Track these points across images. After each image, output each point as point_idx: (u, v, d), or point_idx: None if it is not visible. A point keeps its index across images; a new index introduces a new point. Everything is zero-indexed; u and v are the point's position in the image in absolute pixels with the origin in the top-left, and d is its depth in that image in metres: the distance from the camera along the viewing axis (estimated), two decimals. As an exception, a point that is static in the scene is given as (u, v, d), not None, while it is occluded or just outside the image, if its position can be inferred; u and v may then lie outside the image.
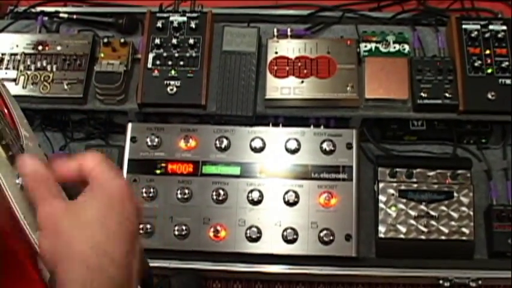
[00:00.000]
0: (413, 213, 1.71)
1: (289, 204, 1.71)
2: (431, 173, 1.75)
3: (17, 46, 1.88)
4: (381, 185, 1.73)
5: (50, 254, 0.85)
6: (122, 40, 1.84)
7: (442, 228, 1.70)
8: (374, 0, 2.08)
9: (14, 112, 1.05)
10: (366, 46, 1.82)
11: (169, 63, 1.80)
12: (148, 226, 1.69)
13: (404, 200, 1.72)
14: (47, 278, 0.95)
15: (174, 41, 1.82)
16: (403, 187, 1.73)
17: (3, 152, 0.95)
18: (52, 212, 0.86)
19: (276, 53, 1.81)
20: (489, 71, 1.76)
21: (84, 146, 1.87)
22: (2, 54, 1.87)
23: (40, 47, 1.87)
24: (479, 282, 1.70)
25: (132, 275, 0.86)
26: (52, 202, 0.87)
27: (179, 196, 1.72)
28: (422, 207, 1.72)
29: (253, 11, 2.05)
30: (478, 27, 1.81)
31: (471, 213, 1.71)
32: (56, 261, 0.84)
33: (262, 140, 1.76)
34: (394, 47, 1.82)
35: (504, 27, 1.81)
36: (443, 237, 1.70)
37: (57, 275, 0.83)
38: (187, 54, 1.81)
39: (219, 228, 1.70)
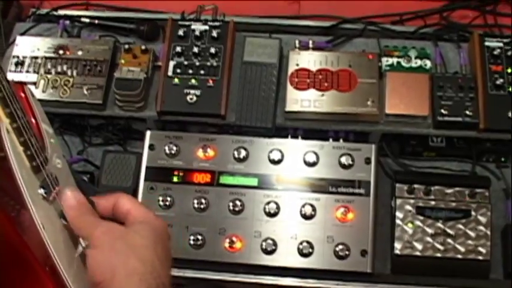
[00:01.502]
0: (430, 230, 1.70)
1: (305, 217, 1.70)
2: (449, 191, 1.74)
3: (38, 49, 1.89)
4: (399, 201, 1.72)
5: (104, 268, 0.93)
6: (143, 47, 1.85)
7: (458, 246, 1.69)
8: (396, 14, 2.07)
9: (41, 123, 1.05)
10: (387, 61, 1.82)
11: (190, 71, 1.81)
12: (164, 235, 1.69)
13: (421, 217, 1.71)
14: None
15: (195, 49, 1.82)
16: (420, 204, 1.72)
17: (27, 162, 0.97)
18: (108, 232, 0.96)
19: (297, 65, 1.81)
20: (510, 89, 1.75)
21: (102, 152, 1.87)
22: (23, 57, 1.87)
23: (61, 51, 1.87)
24: (494, 302, 1.70)
25: None
26: (107, 224, 0.98)
27: (196, 205, 1.72)
28: (440, 225, 1.71)
29: (275, 21, 2.04)
30: (501, 44, 1.80)
31: (488, 232, 1.70)
32: (112, 275, 0.92)
33: (280, 152, 1.75)
34: (416, 63, 1.82)
35: (527, 45, 1.80)
36: (459, 256, 1.69)
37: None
38: (208, 63, 1.81)
39: (234, 239, 1.69)
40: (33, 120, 1.04)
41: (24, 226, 0.97)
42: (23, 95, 1.05)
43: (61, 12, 2.08)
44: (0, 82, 0.95)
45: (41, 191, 0.97)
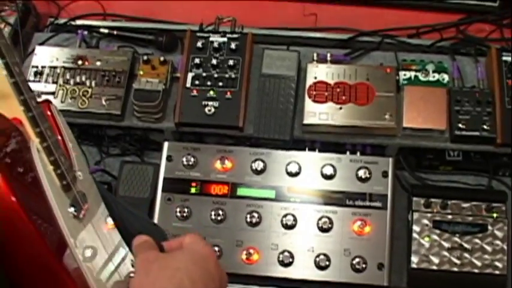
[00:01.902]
0: (446, 244, 1.71)
1: (322, 230, 1.71)
2: (466, 205, 1.74)
3: (57, 59, 1.90)
4: (416, 215, 1.73)
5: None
6: (162, 58, 1.86)
7: (475, 261, 1.69)
8: (413, 27, 2.07)
9: (67, 141, 1.06)
10: (405, 74, 1.83)
11: (208, 83, 1.82)
12: (181, 246, 1.70)
13: (438, 231, 1.71)
14: None
15: (214, 61, 1.83)
16: (437, 218, 1.72)
17: (58, 181, 0.97)
18: (146, 258, 1.00)
19: (315, 77, 1.82)
20: (528, 104, 1.76)
21: (120, 162, 1.87)
22: (42, 67, 1.89)
23: (80, 62, 1.88)
24: (511, 317, 1.70)
25: None
26: (148, 251, 1.02)
27: (213, 217, 1.73)
28: (456, 239, 1.71)
29: (293, 33, 2.05)
30: (519, 59, 1.81)
31: (505, 247, 1.70)
32: None
33: (298, 164, 1.76)
34: (434, 76, 1.82)
35: (544, 60, 1.81)
36: (476, 271, 1.69)
37: None
38: (227, 75, 1.82)
39: (251, 251, 1.70)
40: (59, 137, 1.05)
41: (53, 242, 0.97)
42: (49, 113, 1.06)
43: (79, 22, 2.09)
44: (30, 102, 0.96)
45: (71, 209, 0.98)
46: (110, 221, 1.09)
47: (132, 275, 1.05)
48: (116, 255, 1.07)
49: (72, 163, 1.04)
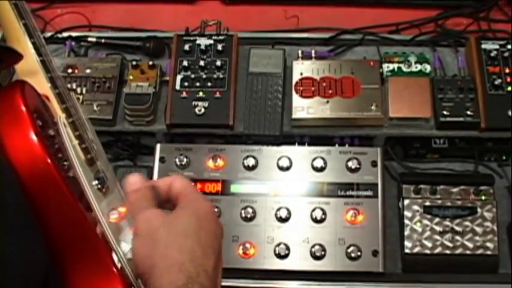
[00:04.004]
0: (438, 228, 1.74)
1: (316, 221, 1.74)
2: (454, 190, 1.78)
3: (47, 69, 1.92)
4: (406, 201, 1.77)
5: (145, 258, 0.93)
6: (150, 63, 1.89)
7: (466, 243, 1.73)
8: (392, 24, 2.12)
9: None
10: (388, 67, 1.88)
11: (197, 84, 1.85)
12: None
13: (429, 216, 1.75)
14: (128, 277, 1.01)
15: (202, 63, 1.86)
16: (427, 203, 1.76)
17: (82, 154, 1.01)
18: (149, 219, 0.96)
19: (301, 74, 1.86)
20: (509, 88, 1.81)
21: (113, 168, 1.89)
22: (33, 78, 1.91)
23: (70, 70, 1.91)
24: (505, 296, 1.73)
25: None
26: (149, 210, 0.97)
27: (208, 214, 1.75)
28: (447, 223, 1.75)
29: (277, 35, 2.09)
30: (497, 46, 1.86)
31: (495, 228, 1.74)
32: (153, 266, 0.92)
33: (289, 159, 1.79)
34: (416, 67, 1.87)
35: (523, 46, 1.86)
36: (468, 252, 1.73)
37: (153, 278, 0.91)
38: (215, 76, 1.86)
39: (248, 245, 1.72)
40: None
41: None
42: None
43: (65, 34, 2.11)
44: (56, 80, 1.01)
45: (95, 182, 1.02)
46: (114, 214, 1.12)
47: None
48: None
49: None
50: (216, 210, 1.75)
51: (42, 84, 1.03)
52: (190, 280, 0.89)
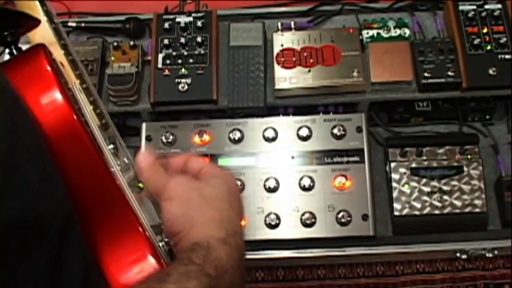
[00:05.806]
0: (426, 189, 1.76)
1: (305, 189, 1.75)
2: (440, 150, 1.79)
3: (29, 56, 1.92)
4: (393, 164, 1.78)
5: (181, 215, 0.96)
6: (131, 43, 1.90)
7: (455, 202, 1.75)
8: (370, -7, 2.14)
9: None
10: (367, 33, 1.89)
11: (179, 61, 1.86)
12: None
13: (416, 178, 1.77)
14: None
15: (182, 40, 1.87)
16: (414, 165, 1.78)
17: (97, 119, 1.03)
18: (181, 183, 0.98)
19: (282, 45, 1.87)
20: (488, 47, 1.82)
21: (100, 150, 1.91)
22: (14, 65, 1.91)
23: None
24: (495, 252, 1.75)
25: (244, 255, 0.98)
26: (180, 177, 1.00)
27: (197, 189, 1.75)
28: (435, 183, 1.76)
29: (255, 10, 2.10)
30: (474, 7, 1.88)
31: (482, 185, 1.75)
32: (190, 222, 0.95)
33: (274, 129, 1.80)
34: (395, 32, 1.89)
35: (499, 6, 1.87)
36: (457, 211, 1.74)
37: (190, 234, 0.94)
38: (196, 52, 1.86)
39: (238, 217, 1.73)
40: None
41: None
42: None
43: (44, 21, 2.11)
44: (68, 47, 1.02)
45: (111, 146, 1.03)
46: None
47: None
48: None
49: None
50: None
51: (56, 51, 1.05)
52: (229, 236, 0.93)
